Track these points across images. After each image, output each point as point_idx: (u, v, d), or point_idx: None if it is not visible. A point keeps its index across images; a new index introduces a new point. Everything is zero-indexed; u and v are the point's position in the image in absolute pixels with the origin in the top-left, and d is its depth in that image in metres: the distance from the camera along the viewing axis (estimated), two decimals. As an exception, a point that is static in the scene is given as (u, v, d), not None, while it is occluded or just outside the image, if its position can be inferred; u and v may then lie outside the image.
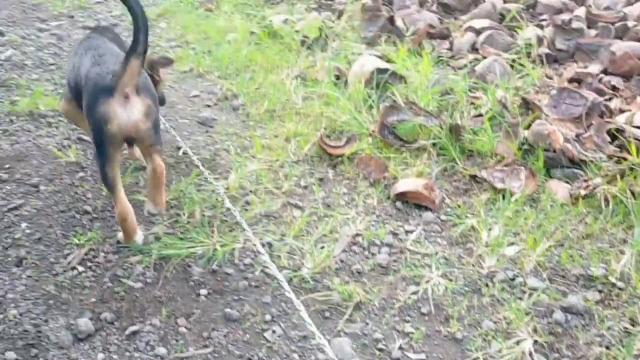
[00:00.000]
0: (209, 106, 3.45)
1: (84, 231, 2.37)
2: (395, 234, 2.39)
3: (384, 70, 3.32)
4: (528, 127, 2.77)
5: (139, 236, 2.28)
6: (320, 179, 2.75)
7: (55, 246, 2.30)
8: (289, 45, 4.04)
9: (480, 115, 2.94)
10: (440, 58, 3.68)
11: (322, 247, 2.27)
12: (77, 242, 2.30)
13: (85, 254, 2.25)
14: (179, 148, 2.99)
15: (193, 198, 2.55)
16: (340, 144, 2.89)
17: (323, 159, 2.89)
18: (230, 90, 3.56)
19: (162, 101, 2.66)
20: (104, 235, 2.36)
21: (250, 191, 2.63)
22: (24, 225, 2.40)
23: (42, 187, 2.65)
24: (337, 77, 3.53)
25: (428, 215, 2.48)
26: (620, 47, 3.35)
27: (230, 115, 3.34)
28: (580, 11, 4.02)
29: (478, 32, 3.84)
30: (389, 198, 2.60)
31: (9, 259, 2.22)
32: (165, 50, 4.16)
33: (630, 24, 3.80)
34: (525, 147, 2.71)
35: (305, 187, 2.69)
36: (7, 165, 2.79)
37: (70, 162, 2.83)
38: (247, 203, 2.53)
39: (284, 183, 2.68)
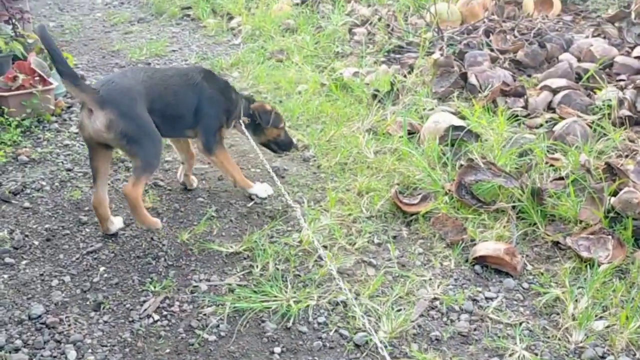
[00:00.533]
0: (280, 156, 3.48)
1: (160, 278, 2.40)
2: (475, 300, 2.29)
3: (460, 128, 3.28)
4: (613, 193, 2.65)
5: (114, 226, 2.68)
6: (395, 237, 2.70)
7: (132, 292, 2.33)
8: (360, 98, 4.07)
9: (561, 178, 2.83)
10: (515, 116, 3.61)
11: (399, 310, 2.20)
12: (153, 289, 2.32)
13: (161, 302, 2.26)
14: (251, 199, 3.01)
15: (266, 250, 2.54)
16: (415, 201, 2.84)
17: (397, 216, 2.84)
18: (302, 141, 3.60)
19: (286, 146, 3.21)
20: (179, 283, 2.37)
21: (324, 246, 2.60)
22: (102, 269, 2.45)
23: (119, 232, 2.70)
24: (410, 133, 3.51)
25: (509, 282, 2.38)
26: None
27: (302, 167, 3.35)
28: (662, 72, 3.89)
29: (554, 91, 3.77)
30: (467, 261, 2.51)
31: (88, 302, 2.26)
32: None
33: None
34: (612, 214, 2.58)
35: (379, 245, 2.64)
36: (87, 208, 2.88)
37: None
38: (320, 258, 2.49)
39: (357, 239, 2.65)
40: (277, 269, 2.43)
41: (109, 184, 2.91)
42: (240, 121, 3.05)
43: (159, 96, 2.70)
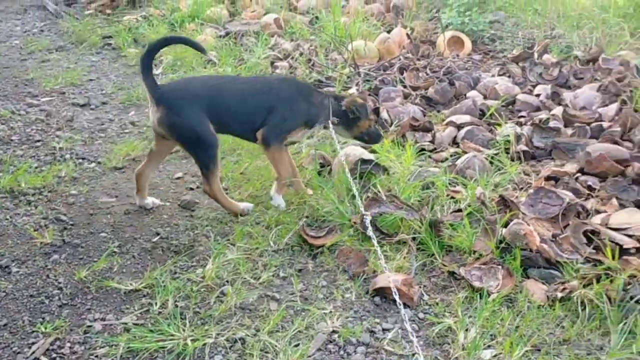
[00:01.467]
0: (191, 189, 3.47)
1: (52, 318, 2.31)
2: (372, 332, 2.34)
3: (368, 161, 3.38)
4: (506, 225, 2.80)
5: (144, 201, 3.23)
6: (300, 270, 2.73)
7: (21, 333, 2.23)
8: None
9: (460, 210, 2.97)
10: (423, 150, 3.77)
11: (297, 345, 2.22)
12: (43, 330, 2.24)
13: (51, 344, 2.18)
14: (157, 234, 2.97)
15: (167, 287, 2.51)
16: (322, 234, 2.89)
17: (304, 249, 2.88)
18: (215, 174, 3.59)
19: (377, 137, 3.44)
20: (72, 323, 2.29)
21: (227, 281, 2.59)
22: (-10, 309, 2.33)
23: (14, 269, 2.60)
24: (322, 166, 3.58)
25: (406, 313, 2.45)
26: (595, 148, 3.46)
27: (213, 200, 3.34)
28: (558, 110, 4.17)
29: (459, 126, 3.96)
30: (367, 293, 2.57)
31: (-29, 346, 2.14)
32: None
33: (605, 124, 3.94)
34: (503, 245, 2.73)
35: (284, 278, 2.66)
36: (-20, 245, 2.75)
37: (46, 244, 2.80)
38: (223, 294, 2.48)
39: (262, 273, 2.66)
40: (177, 306, 2.40)
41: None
42: (329, 122, 3.25)
43: (228, 102, 3.03)
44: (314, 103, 3.19)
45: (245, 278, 2.61)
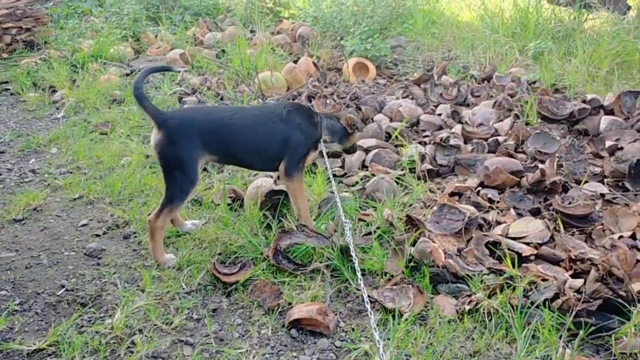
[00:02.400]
0: (98, 235, 3.33)
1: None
2: (289, 366, 2.32)
3: (279, 192, 3.39)
4: (414, 243, 2.89)
5: (184, 227, 3.24)
6: (214, 310, 2.67)
7: None
8: (185, 168, 4.04)
9: (369, 233, 3.03)
10: (334, 176, 3.83)
11: (212, 389, 2.16)
12: None
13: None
14: (62, 286, 2.82)
15: (73, 342, 2.38)
16: (234, 270, 2.85)
17: (217, 287, 2.82)
18: (122, 217, 3.47)
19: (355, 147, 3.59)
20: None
21: (138, 330, 2.49)
22: None
23: None
24: (234, 200, 3.55)
25: (323, 342, 2.45)
26: (492, 162, 3.66)
27: (121, 245, 3.23)
28: (457, 128, 4.39)
29: (366, 150, 4.07)
30: (284, 326, 2.55)
31: None
32: (55, 177, 4.04)
33: (500, 139, 4.18)
34: (412, 264, 2.81)
35: (198, 320, 2.60)
36: None
37: None
38: (133, 344, 2.39)
39: (174, 318, 2.58)
40: (84, 363, 2.27)
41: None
42: (321, 140, 3.30)
43: (236, 134, 3.04)
44: (316, 124, 3.26)
45: (156, 324, 2.52)
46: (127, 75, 6.31)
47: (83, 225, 3.45)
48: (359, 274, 2.54)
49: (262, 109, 3.48)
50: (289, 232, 2.97)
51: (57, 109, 5.65)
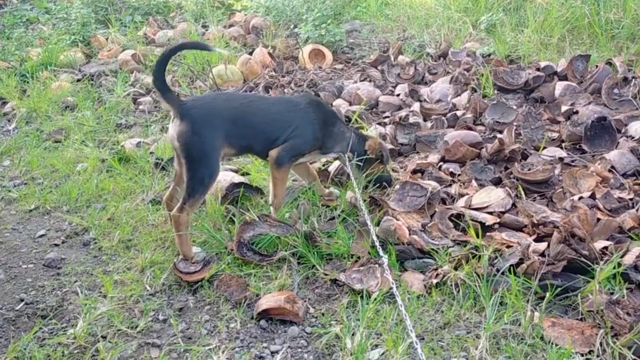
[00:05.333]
0: (56, 245, 3.22)
1: None
2: (261, 358, 2.28)
3: (239, 184, 3.34)
4: (378, 223, 2.87)
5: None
6: (180, 309, 2.61)
7: None
8: (143, 169, 3.96)
9: (334, 218, 3.00)
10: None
11: (181, 389, 2.11)
12: None
13: None
14: (21, 300, 2.72)
15: (35, 356, 2.29)
16: (198, 268, 2.79)
17: (182, 286, 2.76)
18: (81, 224, 3.37)
19: (388, 183, 3.37)
20: None
21: (102, 337, 2.42)
22: None
23: None
24: (194, 196, 3.47)
25: (293, 330, 2.42)
26: (451, 136, 3.66)
27: (81, 252, 3.13)
28: (416, 106, 4.39)
29: (327, 135, 4.02)
30: (253, 318, 2.51)
31: None
32: (9, 189, 3.90)
33: (459, 113, 4.19)
34: (378, 243, 2.78)
35: (164, 321, 2.53)
36: None
37: None
38: (97, 351, 2.31)
39: (139, 321, 2.51)
40: (46, 376, 2.19)
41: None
42: (346, 156, 3.21)
43: (253, 122, 2.95)
44: (333, 132, 3.16)
45: (120, 329, 2.45)
46: (79, 80, 6.14)
47: (41, 236, 3.34)
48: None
49: (282, 99, 3.45)
50: (252, 223, 2.92)
51: (9, 120, 5.47)
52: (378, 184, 3.33)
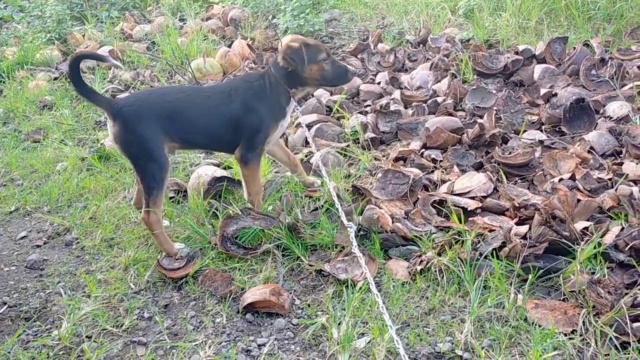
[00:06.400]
0: (38, 246, 3.19)
1: None
2: (248, 351, 2.28)
3: (222, 178, 3.32)
4: (362, 212, 2.87)
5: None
6: (166, 306, 2.60)
7: None
8: (124, 166, 3.91)
9: (317, 209, 3.00)
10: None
11: (169, 385, 2.10)
12: None
13: None
14: (4, 303, 2.69)
15: (19, 359, 2.27)
16: (182, 264, 2.77)
17: (167, 283, 2.75)
18: (62, 224, 3.33)
19: (341, 77, 3.01)
20: None
21: (87, 337, 2.40)
22: None
23: None
24: (177, 192, 3.45)
25: (280, 322, 2.42)
26: (432, 122, 3.66)
27: (63, 253, 3.10)
28: (397, 94, 4.38)
29: (308, 126, 4.01)
30: (238, 312, 2.50)
31: None
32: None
33: (439, 99, 4.20)
34: (362, 233, 2.79)
35: (150, 319, 2.52)
36: None
37: None
38: (82, 352, 2.30)
39: (124, 319, 2.50)
40: (31, 379, 2.18)
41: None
42: (292, 107, 3.01)
43: (191, 116, 2.83)
44: (269, 94, 2.90)
45: (105, 328, 2.43)
46: (56, 79, 6.04)
47: (22, 238, 3.30)
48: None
49: (213, 88, 3.18)
50: (235, 217, 2.90)
51: (-15, 122, 5.37)
52: (332, 82, 3.03)
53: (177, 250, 2.83)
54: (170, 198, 3.34)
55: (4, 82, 6.06)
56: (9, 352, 2.33)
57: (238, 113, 2.88)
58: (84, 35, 7.17)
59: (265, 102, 2.91)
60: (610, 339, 2.08)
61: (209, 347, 2.29)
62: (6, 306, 2.68)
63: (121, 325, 2.46)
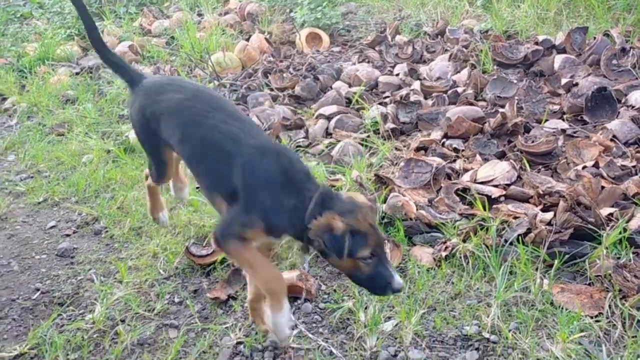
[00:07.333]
0: (68, 235, 3.26)
1: None
2: (277, 334, 2.33)
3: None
4: (385, 201, 2.90)
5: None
6: (195, 291, 2.65)
7: None
8: (149, 158, 3.97)
9: (341, 196, 3.03)
10: (299, 147, 3.82)
11: (202, 366, 2.16)
12: None
13: None
14: (37, 289, 2.77)
15: (55, 342, 2.34)
16: (210, 251, 2.83)
17: (195, 269, 2.80)
18: (91, 214, 3.41)
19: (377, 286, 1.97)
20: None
21: (120, 320, 2.46)
22: None
23: None
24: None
25: (307, 307, 2.46)
26: (454, 112, 3.69)
27: (93, 241, 3.17)
28: (416, 85, 4.40)
29: (328, 117, 4.05)
30: (266, 297, 2.55)
31: None
32: (15, 183, 3.92)
33: (460, 90, 4.21)
34: (386, 220, 2.83)
35: (180, 303, 2.58)
36: None
37: None
38: (117, 334, 2.36)
39: (156, 304, 2.56)
40: (69, 360, 2.24)
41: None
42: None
43: (192, 129, 2.19)
44: (289, 198, 1.97)
45: (138, 312, 2.50)
46: (77, 74, 6.13)
47: (51, 228, 3.37)
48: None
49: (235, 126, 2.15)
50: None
51: (10, 116, 5.46)
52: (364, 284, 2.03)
53: (161, 220, 2.97)
54: (197, 188, 3.40)
55: (26, 78, 6.15)
56: (45, 335, 2.39)
57: (239, 181, 2.04)
58: (102, 31, 7.26)
59: (280, 201, 2.00)
60: (638, 321, 2.10)
61: (240, 329, 2.34)
62: (39, 292, 2.75)
63: (153, 310, 2.52)
